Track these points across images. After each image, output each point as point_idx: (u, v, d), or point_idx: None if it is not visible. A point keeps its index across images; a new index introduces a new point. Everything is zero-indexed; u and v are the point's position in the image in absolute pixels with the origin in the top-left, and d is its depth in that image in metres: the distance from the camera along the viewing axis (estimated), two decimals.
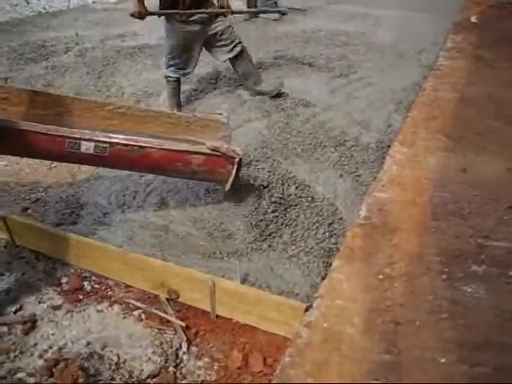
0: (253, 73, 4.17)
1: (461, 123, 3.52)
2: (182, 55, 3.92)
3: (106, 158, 2.38)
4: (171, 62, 3.96)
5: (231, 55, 4.04)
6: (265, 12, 5.61)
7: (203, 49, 4.00)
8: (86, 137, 2.33)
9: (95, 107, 2.67)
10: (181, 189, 2.94)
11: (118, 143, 2.36)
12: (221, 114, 2.88)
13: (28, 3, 7.67)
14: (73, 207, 2.83)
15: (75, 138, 2.32)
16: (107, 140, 2.35)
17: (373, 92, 4.31)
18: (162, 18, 3.85)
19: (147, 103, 4.21)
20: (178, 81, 4.04)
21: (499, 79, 4.32)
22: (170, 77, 4.02)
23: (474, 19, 6.40)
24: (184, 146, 2.48)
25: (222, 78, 4.59)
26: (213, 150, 2.45)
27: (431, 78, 4.38)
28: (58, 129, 2.33)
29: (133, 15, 3.75)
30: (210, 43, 3.98)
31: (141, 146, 2.39)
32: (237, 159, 2.48)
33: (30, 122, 2.35)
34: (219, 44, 3.99)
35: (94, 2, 7.78)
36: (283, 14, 5.08)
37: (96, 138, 2.34)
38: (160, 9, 3.81)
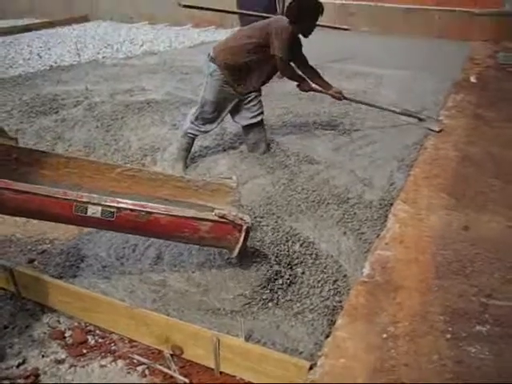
0: (263, 144, 4.23)
1: (462, 181, 3.58)
2: (214, 113, 4.02)
3: (113, 222, 2.38)
4: (200, 116, 4.04)
5: (252, 122, 4.15)
6: (404, 114, 5.01)
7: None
8: (94, 201, 2.35)
9: (105, 169, 2.70)
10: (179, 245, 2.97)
11: (125, 208, 2.36)
12: (230, 178, 2.90)
13: (40, 57, 7.88)
14: (73, 260, 2.85)
15: (83, 202, 2.33)
16: (115, 205, 2.36)
17: (375, 150, 4.38)
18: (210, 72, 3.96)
19: (154, 157, 4.28)
20: (194, 138, 4.14)
21: (499, 138, 4.41)
22: (190, 133, 4.09)
23: (473, 79, 6.58)
24: (191, 213, 2.47)
25: (228, 133, 4.68)
26: (221, 217, 2.43)
27: (432, 137, 4.48)
28: (65, 192, 2.36)
29: (298, 86, 4.28)
30: (237, 106, 4.10)
31: (148, 212, 2.38)
32: (244, 227, 2.45)
33: (39, 182, 2.39)
34: (245, 109, 4.11)
35: (103, 57, 7.99)
36: (421, 119, 4.94)
37: (103, 203, 2.35)
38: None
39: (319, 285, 2.63)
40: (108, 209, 2.34)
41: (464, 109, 5.30)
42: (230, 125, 4.62)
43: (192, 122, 4.08)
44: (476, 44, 8.78)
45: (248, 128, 4.20)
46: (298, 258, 2.82)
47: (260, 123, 4.21)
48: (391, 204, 3.37)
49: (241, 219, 2.44)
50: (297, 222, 3.20)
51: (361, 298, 2.38)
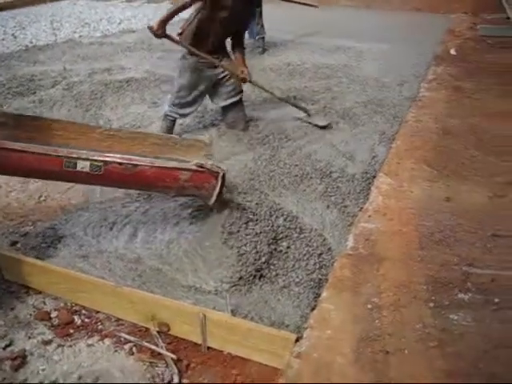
0: (242, 122, 4.21)
1: (443, 153, 3.61)
2: (190, 95, 4.00)
3: (101, 176, 2.51)
4: (177, 101, 4.02)
5: (229, 102, 4.12)
6: (293, 105, 4.60)
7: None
8: (83, 156, 2.47)
9: (87, 130, 2.79)
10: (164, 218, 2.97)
11: (112, 162, 2.49)
12: (203, 135, 3.08)
13: (15, 37, 7.70)
14: (49, 241, 2.83)
15: (72, 158, 2.45)
16: (102, 159, 2.49)
17: (356, 124, 4.38)
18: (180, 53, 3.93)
19: None
20: (174, 120, 4.13)
21: (479, 110, 4.44)
22: (169, 116, 4.09)
23: (453, 51, 6.58)
24: (173, 164, 2.65)
25: (209, 111, 4.65)
26: (199, 166, 2.61)
27: (413, 110, 4.49)
28: (56, 149, 2.48)
29: (150, 28, 3.72)
30: (213, 87, 4.07)
31: (134, 164, 2.52)
32: (221, 174, 2.63)
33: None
34: (222, 89, 4.08)
35: (80, 36, 7.84)
36: (309, 114, 4.50)
37: (91, 158, 2.47)
38: (180, 39, 3.87)
39: (304, 258, 2.65)
40: (96, 163, 2.47)
41: (444, 81, 5.31)
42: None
43: (170, 106, 4.07)
44: (455, 16, 8.77)
45: (226, 108, 4.18)
46: (282, 232, 2.83)
47: (238, 102, 4.18)
48: (374, 177, 3.39)
49: (217, 167, 2.63)
50: (280, 196, 3.21)
51: (345, 270, 2.40)
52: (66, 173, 2.49)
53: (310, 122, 4.39)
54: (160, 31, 3.69)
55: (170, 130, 4.12)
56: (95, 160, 2.47)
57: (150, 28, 3.71)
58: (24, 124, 2.63)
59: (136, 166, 2.53)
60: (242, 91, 4.17)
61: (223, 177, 2.65)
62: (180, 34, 3.91)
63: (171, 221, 2.94)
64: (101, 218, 2.99)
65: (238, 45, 4.13)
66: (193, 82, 3.96)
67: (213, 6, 3.69)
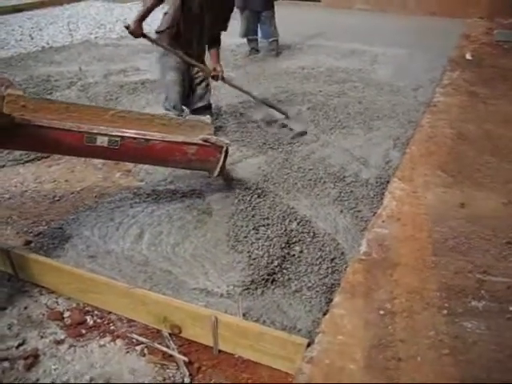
0: None
1: (458, 159, 3.59)
2: (181, 90, 4.00)
3: (118, 150, 2.81)
4: (171, 104, 4.02)
5: (199, 105, 4.12)
6: (271, 107, 4.54)
7: None
8: (102, 132, 2.76)
9: (100, 112, 2.96)
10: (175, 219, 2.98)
11: (128, 137, 2.80)
12: (205, 116, 3.43)
13: (32, 38, 7.78)
14: (57, 242, 2.84)
15: (93, 133, 2.73)
16: (119, 134, 2.79)
17: (370, 129, 4.37)
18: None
19: None
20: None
21: (494, 115, 4.41)
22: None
23: (468, 56, 6.55)
24: (181, 138, 2.93)
25: (223, 113, 4.66)
26: (204, 140, 2.92)
27: (428, 115, 4.47)
28: (78, 125, 2.74)
29: (127, 27, 3.75)
30: (187, 92, 4.07)
31: (147, 139, 2.84)
32: (224, 148, 2.95)
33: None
34: (194, 94, 4.09)
35: (96, 38, 7.91)
36: (287, 117, 4.46)
37: (110, 133, 2.77)
38: (156, 33, 3.92)
39: (317, 263, 2.64)
40: (114, 138, 2.77)
41: (459, 86, 5.28)
42: (225, 104, 4.60)
43: (169, 108, 4.08)
44: (471, 21, 8.73)
45: (195, 112, 4.16)
46: (295, 236, 2.83)
47: (207, 108, 4.17)
48: (387, 182, 3.37)
49: (221, 141, 2.97)
50: (294, 200, 3.21)
51: (358, 275, 2.39)
52: (86, 147, 2.77)
53: (286, 125, 4.37)
54: (137, 30, 3.73)
55: None
56: (113, 135, 2.76)
57: (127, 27, 3.74)
58: (42, 107, 2.79)
59: (148, 140, 2.83)
60: (208, 96, 4.17)
61: (226, 150, 2.97)
62: (158, 33, 3.95)
63: (176, 223, 2.97)
64: (108, 218, 3.02)
65: (214, 42, 4.13)
66: (178, 75, 3.96)
67: (182, 5, 3.75)
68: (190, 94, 4.11)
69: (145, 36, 3.81)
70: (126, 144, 2.80)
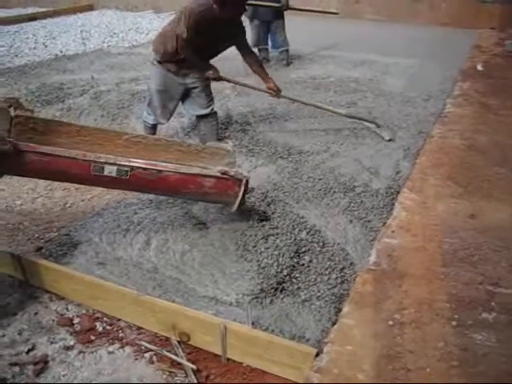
0: (213, 137, 4.14)
1: (468, 170, 3.58)
2: (161, 102, 3.99)
3: (128, 180, 2.59)
4: (150, 108, 4.08)
5: (203, 112, 4.09)
6: (357, 118, 4.63)
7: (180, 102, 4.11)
8: (110, 161, 2.55)
9: (113, 136, 2.82)
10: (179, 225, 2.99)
11: (138, 167, 2.58)
12: (227, 143, 3.14)
13: (45, 46, 7.87)
14: (65, 248, 2.85)
15: (100, 162, 2.53)
16: (129, 164, 2.58)
17: (381, 139, 4.36)
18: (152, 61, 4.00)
19: None
20: (154, 127, 4.20)
21: (505, 127, 4.39)
22: (145, 122, 4.20)
23: (479, 67, 6.53)
24: (197, 170, 2.72)
25: (233, 122, 4.68)
26: (223, 173, 2.69)
27: (439, 125, 4.46)
28: (84, 153, 2.55)
29: (210, 76, 3.91)
30: (188, 95, 4.04)
31: (159, 170, 2.62)
32: (244, 181, 2.70)
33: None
34: (194, 99, 4.05)
35: (109, 46, 7.98)
36: (377, 126, 4.53)
37: (119, 163, 2.56)
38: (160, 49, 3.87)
39: (326, 272, 2.64)
40: (123, 168, 2.56)
41: (470, 97, 5.27)
42: (235, 114, 4.61)
43: (146, 111, 4.17)
44: (482, 32, 8.71)
45: (198, 118, 4.17)
46: (305, 245, 2.83)
47: (209, 115, 4.13)
48: (398, 192, 3.37)
49: (240, 174, 2.72)
50: (304, 209, 3.21)
51: (367, 285, 2.39)
52: (93, 177, 2.57)
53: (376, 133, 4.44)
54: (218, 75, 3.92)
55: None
56: (122, 165, 2.56)
57: (210, 76, 3.92)
58: (52, 129, 2.68)
59: (160, 171, 2.62)
60: (211, 105, 4.12)
61: (246, 183, 2.72)
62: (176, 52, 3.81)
63: (179, 231, 2.95)
64: (114, 225, 3.03)
65: (248, 55, 4.07)
66: (162, 87, 3.94)
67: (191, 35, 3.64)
68: (188, 101, 4.09)
69: (221, 78, 4.00)
70: (136, 174, 2.58)
